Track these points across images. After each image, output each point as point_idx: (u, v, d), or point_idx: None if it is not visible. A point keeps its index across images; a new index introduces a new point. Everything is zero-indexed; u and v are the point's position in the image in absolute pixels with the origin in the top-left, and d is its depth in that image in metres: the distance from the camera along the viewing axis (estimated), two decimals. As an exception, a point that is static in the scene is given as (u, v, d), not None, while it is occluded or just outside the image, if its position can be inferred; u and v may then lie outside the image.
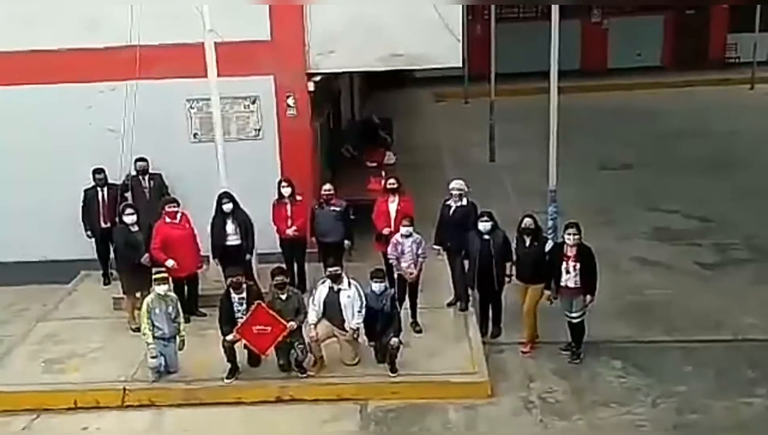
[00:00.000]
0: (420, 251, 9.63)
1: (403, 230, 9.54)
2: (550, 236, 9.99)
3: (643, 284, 11.19)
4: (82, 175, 10.91)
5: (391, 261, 9.71)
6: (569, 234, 8.79)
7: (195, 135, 11.34)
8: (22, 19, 10.78)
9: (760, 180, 15.11)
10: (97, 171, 10.86)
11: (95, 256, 11.21)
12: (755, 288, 10.97)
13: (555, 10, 10.38)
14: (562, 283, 8.90)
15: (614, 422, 8.10)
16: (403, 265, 9.61)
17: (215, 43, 9.97)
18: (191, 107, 11.26)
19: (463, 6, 11.39)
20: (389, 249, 9.70)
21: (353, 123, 17.97)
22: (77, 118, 11.12)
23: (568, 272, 8.81)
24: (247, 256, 10.19)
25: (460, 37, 11.05)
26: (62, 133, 11.14)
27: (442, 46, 10.96)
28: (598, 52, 26.36)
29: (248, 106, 11.33)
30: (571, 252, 8.80)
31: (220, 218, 10.11)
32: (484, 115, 17.63)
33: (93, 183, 10.93)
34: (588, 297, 8.89)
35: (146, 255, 9.69)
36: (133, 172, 10.78)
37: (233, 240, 10.14)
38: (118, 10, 10.00)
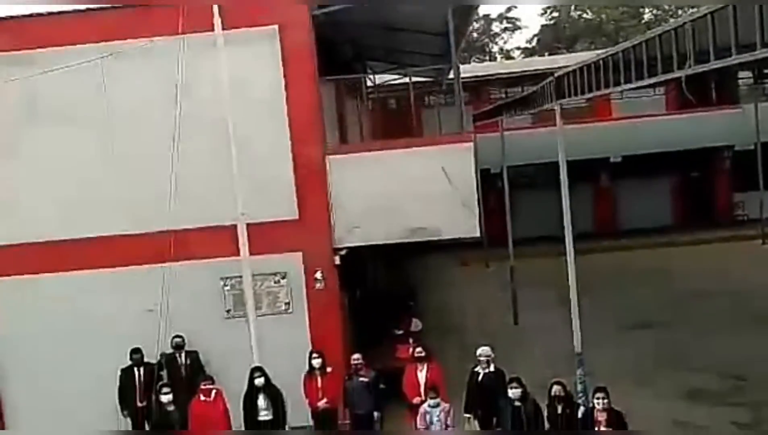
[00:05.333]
0: (449, 422, 9.63)
1: (431, 401, 9.63)
2: (581, 401, 9.99)
3: (680, 447, 10.97)
4: (120, 356, 11.21)
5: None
6: (598, 398, 8.81)
7: (228, 311, 11.77)
8: (63, 209, 11.62)
9: (787, 335, 15.08)
10: (134, 351, 11.19)
11: (131, 436, 11.32)
12: (796, 447, 10.72)
13: (564, 179, 11.04)
14: (597, 450, 8.81)
15: None
16: (433, 436, 9.58)
17: (246, 224, 10.62)
18: (225, 285, 11.76)
19: (477, 179, 12.10)
20: (418, 420, 9.70)
21: (379, 291, 18.40)
22: (116, 301, 11.63)
23: (601, 438, 8.76)
24: (280, 432, 10.23)
25: (477, 210, 11.67)
26: (101, 315, 11.63)
27: (460, 219, 11.57)
28: (610, 215, 27.27)
29: (278, 281, 11.82)
30: (601, 416, 8.78)
31: (251, 393, 10.27)
32: (506, 279, 18.05)
33: (130, 362, 11.22)
34: (624, 463, 8.77)
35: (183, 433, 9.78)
36: (170, 350, 11.10)
37: (265, 415, 10.23)
38: (157, 199, 10.77)
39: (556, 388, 9.22)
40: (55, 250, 11.66)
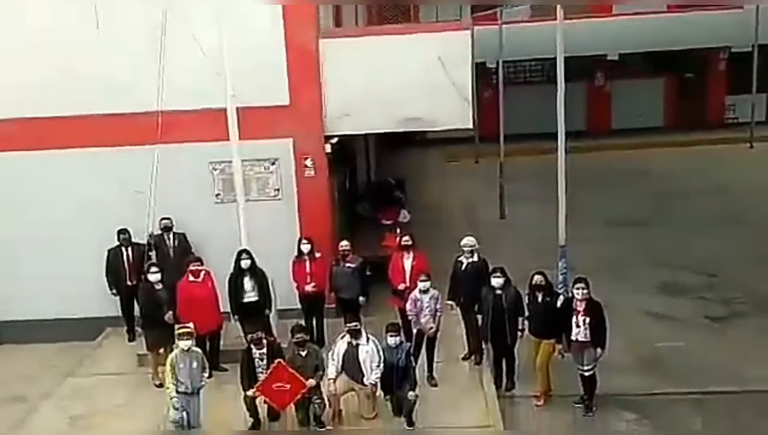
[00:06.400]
0: (438, 306, 9.92)
1: (422, 286, 9.85)
2: (561, 291, 10.28)
3: (653, 337, 11.41)
4: (109, 235, 11.31)
5: (410, 317, 9.99)
6: (578, 289, 9.08)
7: (217, 195, 11.78)
8: (48, 85, 11.33)
9: (763, 236, 15.46)
10: (122, 231, 11.26)
11: (120, 313, 11.56)
12: (762, 340, 11.20)
13: (561, 73, 10.88)
14: (573, 337, 9.15)
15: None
16: (422, 320, 9.89)
17: (237, 108, 10.47)
18: (214, 169, 11.73)
19: (472, 71, 11.90)
20: (408, 305, 9.98)
21: (369, 183, 18.49)
22: (103, 182, 11.59)
23: (578, 326, 9.07)
24: (266, 312, 10.49)
25: (470, 101, 11.55)
26: (89, 194, 11.62)
27: (453, 110, 11.46)
28: (603, 114, 27.11)
29: (268, 167, 11.79)
30: (580, 306, 9.08)
31: (237, 275, 10.44)
32: (494, 175, 18.16)
33: (117, 243, 11.33)
34: (598, 350, 9.13)
35: (170, 312, 10.00)
36: (158, 231, 11.20)
37: (251, 296, 10.44)
38: (146, 78, 10.55)
39: (537, 278, 9.47)
40: (39, 127, 11.39)
